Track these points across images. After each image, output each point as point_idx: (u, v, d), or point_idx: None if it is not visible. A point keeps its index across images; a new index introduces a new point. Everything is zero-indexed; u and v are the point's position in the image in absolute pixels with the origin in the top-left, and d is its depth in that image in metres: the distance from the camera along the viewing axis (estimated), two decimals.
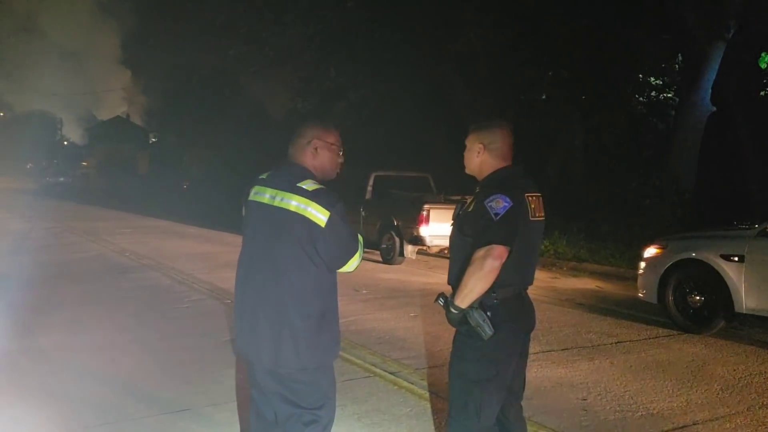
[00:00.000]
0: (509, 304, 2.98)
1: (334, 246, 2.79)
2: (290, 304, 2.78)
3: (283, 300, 2.79)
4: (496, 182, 3.03)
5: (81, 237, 16.01)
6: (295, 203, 2.76)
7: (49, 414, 4.52)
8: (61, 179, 54.84)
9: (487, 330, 2.85)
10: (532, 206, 3.01)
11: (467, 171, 3.25)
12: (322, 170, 2.95)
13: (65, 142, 79.98)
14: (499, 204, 2.85)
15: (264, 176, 2.97)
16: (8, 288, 8.20)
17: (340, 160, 3.04)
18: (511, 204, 2.86)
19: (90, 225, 19.08)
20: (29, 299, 7.84)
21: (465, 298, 2.84)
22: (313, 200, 2.75)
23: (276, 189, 2.84)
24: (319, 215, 2.74)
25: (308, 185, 2.80)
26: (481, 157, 3.13)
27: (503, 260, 2.81)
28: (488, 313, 2.86)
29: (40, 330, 6.85)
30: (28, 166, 77.98)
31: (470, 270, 2.82)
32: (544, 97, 18.70)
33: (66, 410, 4.62)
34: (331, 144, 2.98)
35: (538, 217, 3.06)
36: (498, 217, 2.84)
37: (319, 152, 2.94)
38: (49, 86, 65.42)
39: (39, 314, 7.47)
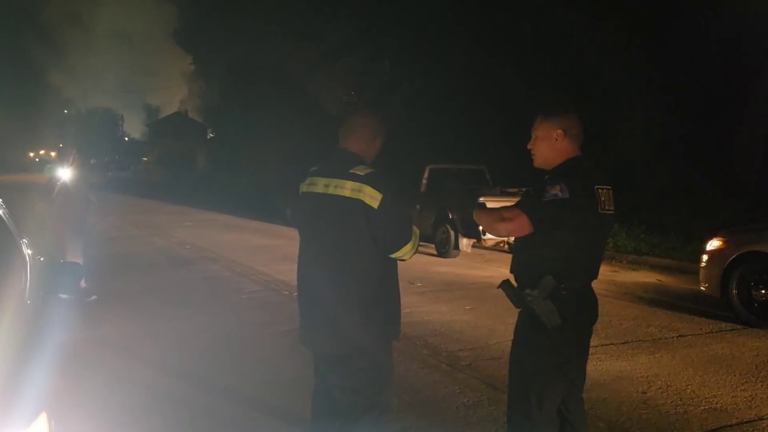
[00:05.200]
0: (576, 296, 2.96)
1: (386, 228, 2.84)
2: (348, 288, 2.85)
3: (342, 284, 2.86)
4: (567, 170, 2.97)
5: (143, 230, 16.45)
6: (349, 188, 2.83)
7: (116, 399, 4.70)
8: (123, 174, 56.46)
9: (554, 320, 2.84)
10: (603, 199, 2.96)
11: (539, 162, 3.13)
12: (369, 156, 3.04)
13: (126, 138, 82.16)
14: (556, 191, 2.83)
15: (315, 168, 3.05)
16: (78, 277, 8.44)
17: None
18: (567, 197, 2.82)
19: (152, 219, 19.59)
20: (95, 290, 8.10)
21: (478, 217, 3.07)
22: (366, 183, 2.82)
23: (329, 177, 2.92)
24: (372, 197, 2.80)
25: (360, 170, 2.87)
26: (561, 144, 3.04)
27: (515, 234, 2.94)
28: (557, 304, 2.85)
29: (107, 320, 7.10)
30: (92, 162, 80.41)
31: (493, 214, 2.98)
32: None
33: (132, 396, 4.78)
34: (384, 135, 3.09)
35: (608, 210, 3.00)
36: (545, 201, 2.83)
37: (375, 143, 3.04)
38: (109, 82, 67.45)
39: (105, 304, 7.73)
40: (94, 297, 7.84)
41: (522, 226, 2.87)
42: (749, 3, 14.01)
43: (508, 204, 3.08)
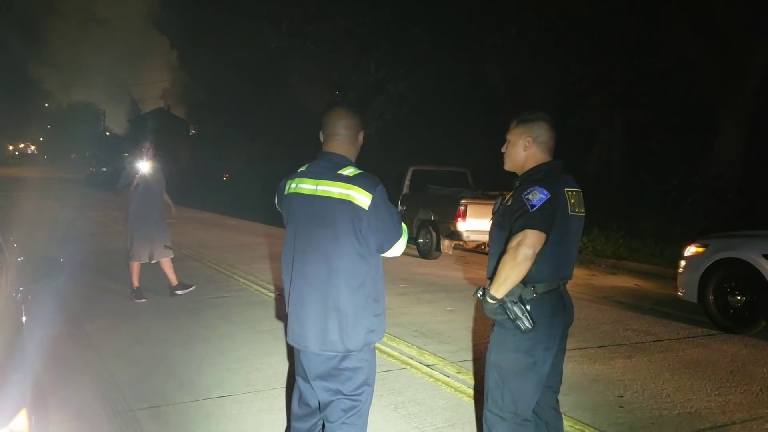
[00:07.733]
0: (548, 298, 3.01)
1: (379, 227, 2.86)
2: (337, 289, 2.87)
3: (331, 285, 2.87)
4: (537, 176, 3.04)
5: (124, 227, 16.30)
6: (337, 190, 2.85)
7: (95, 395, 4.69)
8: (104, 169, 55.81)
9: (526, 323, 2.89)
10: (572, 201, 3.02)
11: (508, 166, 3.23)
12: (354, 156, 3.06)
13: (108, 133, 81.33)
14: (536, 196, 2.88)
15: (303, 168, 3.06)
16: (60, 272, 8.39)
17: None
18: (549, 195, 2.88)
19: None
20: (76, 287, 8.05)
21: (500, 288, 2.88)
22: (354, 184, 2.84)
23: (317, 179, 2.93)
24: (362, 198, 2.82)
25: (348, 171, 2.89)
26: (529, 151, 3.13)
27: (537, 248, 2.83)
28: (527, 307, 2.90)
29: (87, 317, 7.06)
30: (72, 157, 79.73)
31: (504, 258, 2.86)
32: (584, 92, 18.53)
33: (111, 393, 4.77)
34: (363, 132, 3.11)
35: (578, 212, 3.07)
36: (534, 208, 2.86)
37: (358, 142, 3.06)
38: (90, 73, 66.50)
39: (85, 302, 7.70)
40: (193, 286, 8.35)
41: (535, 241, 2.84)
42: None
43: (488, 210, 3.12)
